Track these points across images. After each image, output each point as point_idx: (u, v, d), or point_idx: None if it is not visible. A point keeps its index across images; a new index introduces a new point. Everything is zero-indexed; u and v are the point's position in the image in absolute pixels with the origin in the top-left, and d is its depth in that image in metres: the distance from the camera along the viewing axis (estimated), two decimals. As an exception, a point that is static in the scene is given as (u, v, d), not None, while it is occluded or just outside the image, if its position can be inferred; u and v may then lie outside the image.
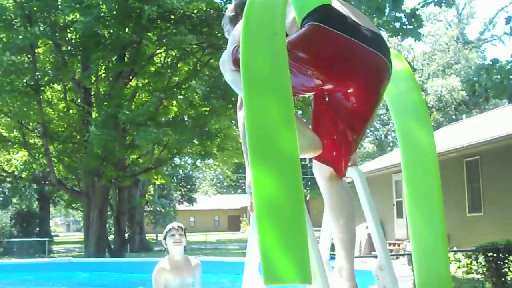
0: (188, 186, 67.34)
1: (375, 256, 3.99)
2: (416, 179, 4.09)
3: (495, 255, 12.03)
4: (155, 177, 30.16)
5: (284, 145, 2.96)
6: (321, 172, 3.74)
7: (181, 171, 54.18)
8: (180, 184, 64.38)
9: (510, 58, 13.43)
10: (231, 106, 23.05)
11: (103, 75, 25.02)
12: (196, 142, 24.59)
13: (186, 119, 26.13)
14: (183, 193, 66.28)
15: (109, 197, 27.25)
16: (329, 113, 3.63)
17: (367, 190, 3.99)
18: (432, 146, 4.06)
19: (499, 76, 12.96)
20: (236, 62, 3.50)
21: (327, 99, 3.64)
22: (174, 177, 56.14)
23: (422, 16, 13.57)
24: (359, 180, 3.98)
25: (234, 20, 4.19)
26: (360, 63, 3.43)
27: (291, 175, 2.95)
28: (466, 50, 63.18)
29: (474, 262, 14.05)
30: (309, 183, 56.51)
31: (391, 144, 63.87)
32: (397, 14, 12.88)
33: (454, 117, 55.01)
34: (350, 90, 3.52)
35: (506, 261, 12.03)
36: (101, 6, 21.53)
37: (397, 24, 13.05)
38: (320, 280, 3.19)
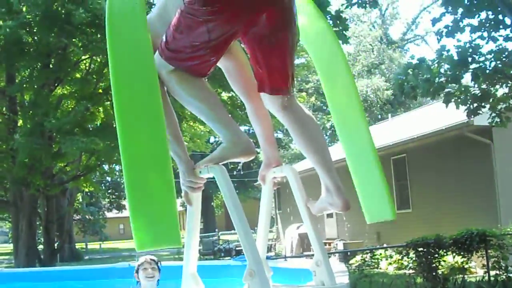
0: (117, 193, 66.76)
1: (306, 256, 4.04)
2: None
3: (425, 250, 12.28)
4: (84, 184, 29.83)
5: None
6: (274, 106, 3.75)
7: (109, 178, 53.71)
8: (109, 191, 63.81)
9: (435, 57, 13.75)
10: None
11: (27, 83, 24.58)
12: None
13: (115, 125, 25.85)
14: (112, 200, 65.68)
15: (38, 206, 26.82)
16: (255, 48, 3.66)
17: (301, 188, 4.03)
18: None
19: (427, 76, 13.26)
20: (170, 59, 3.53)
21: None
22: (102, 184, 55.62)
23: (346, 17, 13.74)
24: (293, 178, 4.02)
25: None
26: None
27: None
28: (390, 50, 64.07)
29: (405, 258, 14.32)
30: (236, 184, 56.65)
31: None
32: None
33: (379, 116, 55.73)
34: (263, 19, 3.53)
35: (436, 255, 12.29)
36: (25, 12, 21.18)
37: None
38: (259, 278, 3.23)
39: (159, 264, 6.60)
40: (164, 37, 3.51)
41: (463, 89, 13.77)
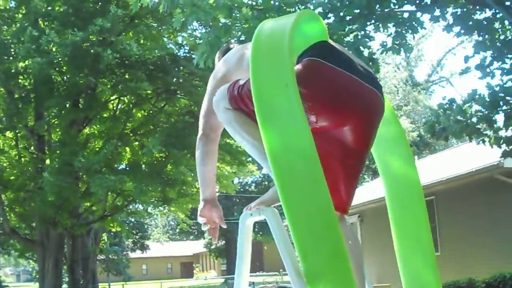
0: (140, 233, 66.74)
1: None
2: (402, 214, 4.12)
3: (458, 294, 12.12)
4: (111, 224, 29.81)
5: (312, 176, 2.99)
6: None
7: (132, 218, 53.82)
8: (132, 231, 63.81)
9: (466, 97, 13.71)
10: (186, 152, 22.90)
11: (56, 122, 24.71)
12: (151, 188, 24.26)
13: (143, 166, 25.89)
14: (135, 240, 65.63)
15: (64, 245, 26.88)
16: (322, 151, 3.27)
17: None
18: (415, 176, 4.08)
19: (458, 117, 13.21)
20: (232, 99, 3.42)
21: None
22: (126, 224, 55.72)
23: (377, 58, 13.77)
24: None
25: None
26: (359, 99, 3.36)
27: (322, 203, 2.97)
28: (415, 92, 63.98)
29: (437, 302, 14.12)
30: (257, 226, 56.40)
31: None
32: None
33: (405, 158, 55.49)
34: (347, 127, 3.42)
35: (470, 299, 12.13)
36: (54, 52, 21.34)
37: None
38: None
39: None
40: (243, 80, 3.41)
41: (494, 130, 13.71)
